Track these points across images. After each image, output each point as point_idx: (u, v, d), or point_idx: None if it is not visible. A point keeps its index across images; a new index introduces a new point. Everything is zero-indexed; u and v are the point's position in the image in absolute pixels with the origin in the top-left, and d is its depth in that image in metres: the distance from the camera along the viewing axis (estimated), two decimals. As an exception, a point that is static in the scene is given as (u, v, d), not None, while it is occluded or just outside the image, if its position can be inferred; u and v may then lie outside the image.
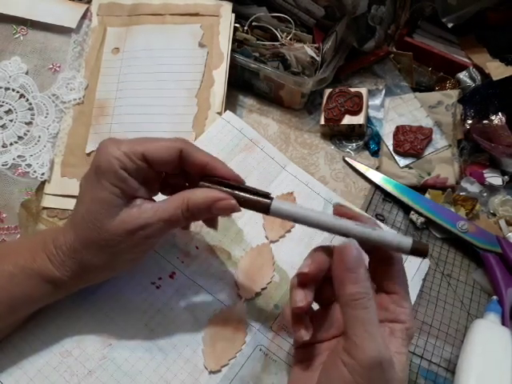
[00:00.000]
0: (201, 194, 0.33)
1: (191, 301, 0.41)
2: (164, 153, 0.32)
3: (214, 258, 0.44)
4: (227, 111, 0.52)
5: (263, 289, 0.43)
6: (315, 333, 0.32)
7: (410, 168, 0.54)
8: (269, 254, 0.45)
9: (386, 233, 0.31)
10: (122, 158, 0.31)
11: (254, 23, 0.58)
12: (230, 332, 0.40)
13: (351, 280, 0.28)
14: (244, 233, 0.46)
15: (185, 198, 0.33)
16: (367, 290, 0.28)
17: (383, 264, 0.32)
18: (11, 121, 0.50)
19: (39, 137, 0.50)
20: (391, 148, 0.55)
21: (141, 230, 0.32)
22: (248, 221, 0.46)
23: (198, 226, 0.45)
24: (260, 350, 0.40)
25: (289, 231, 0.46)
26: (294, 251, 0.45)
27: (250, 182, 0.48)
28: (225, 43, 0.53)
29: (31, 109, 0.51)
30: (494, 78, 0.55)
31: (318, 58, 0.56)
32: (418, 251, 0.30)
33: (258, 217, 0.47)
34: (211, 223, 0.38)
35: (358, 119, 0.54)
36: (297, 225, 0.47)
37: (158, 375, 0.38)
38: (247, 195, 0.33)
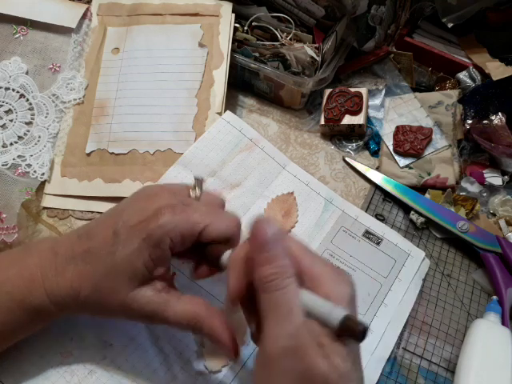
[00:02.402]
0: (208, 323, 0.31)
1: None
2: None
3: None
4: (227, 111, 0.52)
5: None
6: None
7: (410, 168, 0.54)
8: None
9: (315, 298, 0.25)
10: (176, 241, 0.30)
11: (254, 23, 0.58)
12: None
13: (263, 261, 0.25)
14: (245, 233, 0.45)
15: (195, 319, 0.31)
16: (283, 268, 0.25)
17: None
18: (11, 121, 0.50)
19: (39, 137, 0.50)
20: (391, 148, 0.55)
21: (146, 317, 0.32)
22: (248, 222, 0.46)
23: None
24: None
25: (289, 231, 0.46)
26: None
27: (250, 182, 0.49)
28: (225, 43, 0.53)
29: (31, 109, 0.51)
30: (494, 78, 0.55)
31: (318, 58, 0.56)
32: (348, 330, 0.23)
33: None
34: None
35: (358, 119, 0.54)
36: (297, 225, 0.47)
37: (158, 375, 0.38)
38: None
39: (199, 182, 0.36)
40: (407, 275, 0.45)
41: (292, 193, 0.49)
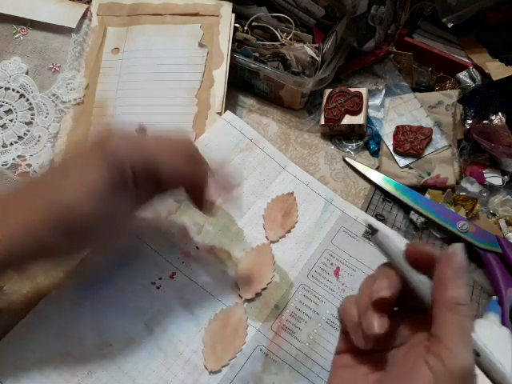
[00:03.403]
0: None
1: (191, 301, 0.41)
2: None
3: (214, 258, 0.44)
4: (227, 111, 0.52)
5: (263, 289, 0.43)
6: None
7: (410, 168, 0.54)
8: (269, 254, 0.45)
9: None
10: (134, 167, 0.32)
11: (254, 23, 0.58)
12: (230, 332, 0.40)
13: (458, 284, 0.27)
14: (244, 233, 0.46)
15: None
16: (468, 301, 0.27)
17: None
18: (11, 121, 0.50)
19: (39, 137, 0.50)
20: (391, 148, 0.55)
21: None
22: (248, 221, 0.46)
23: (198, 226, 0.45)
24: (260, 350, 0.40)
25: (289, 231, 0.46)
26: (295, 251, 0.45)
27: (250, 182, 0.49)
28: (225, 43, 0.53)
29: (31, 109, 0.51)
30: (494, 78, 0.55)
31: (318, 58, 0.56)
32: None
33: (258, 217, 0.47)
34: (206, 208, 0.38)
35: (358, 119, 0.54)
36: (297, 225, 0.47)
37: (158, 375, 0.38)
38: None
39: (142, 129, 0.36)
40: None
41: (292, 193, 0.49)
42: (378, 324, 0.28)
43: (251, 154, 0.50)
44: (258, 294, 0.42)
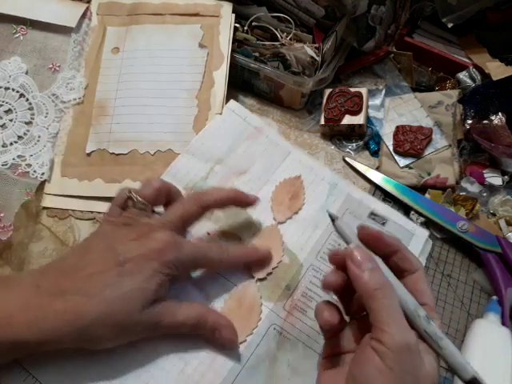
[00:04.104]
0: (213, 316, 0.37)
1: (206, 284, 0.42)
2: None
3: (225, 242, 0.45)
4: (231, 100, 0.52)
5: (274, 268, 0.43)
6: (341, 343, 0.34)
7: (410, 168, 0.54)
8: (277, 234, 0.46)
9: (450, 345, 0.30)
10: (179, 267, 0.37)
11: (254, 23, 0.57)
12: (245, 311, 0.41)
13: (366, 274, 0.30)
14: (253, 217, 0.46)
15: (200, 315, 0.37)
16: (385, 281, 0.30)
17: None
18: (11, 120, 0.50)
19: (39, 136, 0.50)
20: (391, 148, 0.55)
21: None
22: (256, 205, 0.47)
23: (208, 212, 0.45)
24: (274, 328, 0.40)
25: (296, 213, 0.47)
26: (302, 233, 0.46)
27: (256, 169, 0.50)
28: (225, 44, 0.53)
29: (31, 108, 0.51)
30: (494, 78, 0.55)
31: (318, 58, 0.56)
32: None
33: (266, 201, 0.47)
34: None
35: (358, 119, 0.54)
36: (304, 207, 0.47)
37: (177, 355, 0.38)
38: None
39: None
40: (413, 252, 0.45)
41: (299, 176, 0.49)
42: (327, 314, 0.32)
43: (256, 141, 0.51)
44: (269, 274, 0.43)
